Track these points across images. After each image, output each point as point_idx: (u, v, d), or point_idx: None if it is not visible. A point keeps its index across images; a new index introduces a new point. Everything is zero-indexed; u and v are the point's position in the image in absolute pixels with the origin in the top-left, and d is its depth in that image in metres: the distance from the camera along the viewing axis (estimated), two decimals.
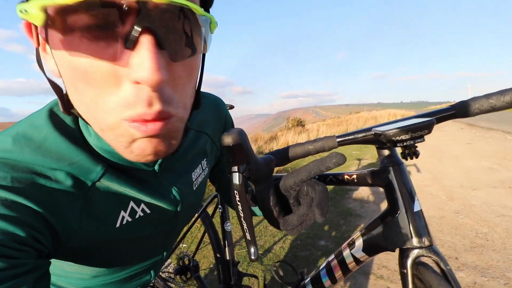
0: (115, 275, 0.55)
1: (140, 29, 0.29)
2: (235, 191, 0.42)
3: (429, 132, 0.47)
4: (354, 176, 0.64)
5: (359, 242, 0.63)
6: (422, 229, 0.54)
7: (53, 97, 0.40)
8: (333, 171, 0.67)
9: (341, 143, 0.56)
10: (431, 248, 0.53)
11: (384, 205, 2.98)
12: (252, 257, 0.44)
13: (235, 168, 0.41)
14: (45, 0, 0.27)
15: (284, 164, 0.57)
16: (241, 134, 0.40)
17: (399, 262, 0.56)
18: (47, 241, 0.36)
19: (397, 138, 0.48)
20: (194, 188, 0.60)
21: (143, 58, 0.29)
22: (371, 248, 0.61)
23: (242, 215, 0.43)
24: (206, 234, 1.21)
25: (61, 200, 0.38)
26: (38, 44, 0.35)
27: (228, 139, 0.39)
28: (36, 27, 0.33)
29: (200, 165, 0.62)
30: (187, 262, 1.31)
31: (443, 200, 3.02)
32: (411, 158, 0.50)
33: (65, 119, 0.41)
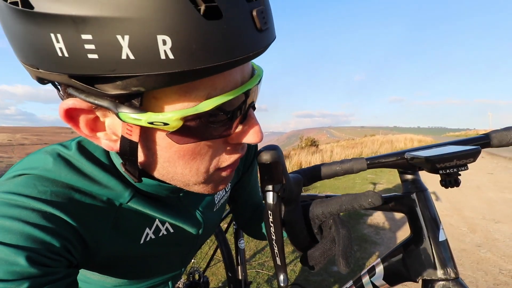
0: (135, 286, 0.57)
1: (250, 106, 0.37)
2: (269, 212, 0.39)
3: (474, 160, 0.44)
4: None
5: (380, 270, 0.61)
6: (447, 260, 0.52)
7: None
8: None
9: (370, 166, 0.54)
10: (457, 280, 0.51)
11: (401, 233, 2.87)
12: (282, 284, 0.41)
13: (270, 187, 0.40)
14: (186, 111, 0.30)
15: (309, 184, 0.55)
16: (279, 151, 0.39)
17: None
18: (77, 252, 0.38)
19: (441, 165, 0.44)
20: (215, 210, 0.61)
21: (254, 127, 0.37)
22: (392, 277, 0.59)
23: (274, 237, 0.41)
24: (218, 250, 1.20)
25: (93, 216, 0.40)
26: (91, 130, 0.35)
27: (266, 156, 0.38)
28: (97, 118, 0.35)
29: None
30: (197, 278, 1.29)
31: (464, 232, 2.88)
32: (452, 187, 0.47)
33: (95, 152, 0.42)
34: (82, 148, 0.42)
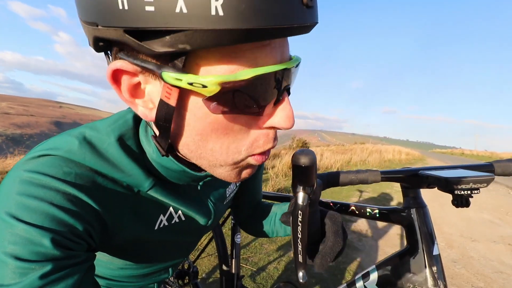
0: (140, 270, 0.59)
1: (285, 89, 0.35)
2: (299, 212, 0.42)
3: (487, 185, 0.49)
4: (376, 211, 0.67)
5: (374, 276, 0.64)
6: (439, 273, 0.56)
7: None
8: (356, 202, 0.70)
9: (384, 179, 0.59)
10: None
11: (382, 241, 2.95)
12: (301, 281, 0.44)
13: (300, 189, 0.42)
14: (225, 77, 0.30)
15: (324, 189, 0.59)
16: (315, 156, 0.42)
17: None
18: (97, 236, 0.40)
19: (458, 186, 0.49)
20: (224, 203, 0.64)
21: (287, 111, 0.36)
22: (385, 284, 0.63)
23: (300, 236, 0.43)
24: (211, 243, 1.23)
25: (114, 200, 0.41)
26: (132, 95, 0.36)
27: (304, 160, 0.40)
28: (136, 83, 0.35)
29: None
30: (186, 267, 1.32)
31: (442, 247, 3.00)
32: (462, 206, 0.52)
33: (126, 134, 0.43)
34: (113, 132, 0.42)
